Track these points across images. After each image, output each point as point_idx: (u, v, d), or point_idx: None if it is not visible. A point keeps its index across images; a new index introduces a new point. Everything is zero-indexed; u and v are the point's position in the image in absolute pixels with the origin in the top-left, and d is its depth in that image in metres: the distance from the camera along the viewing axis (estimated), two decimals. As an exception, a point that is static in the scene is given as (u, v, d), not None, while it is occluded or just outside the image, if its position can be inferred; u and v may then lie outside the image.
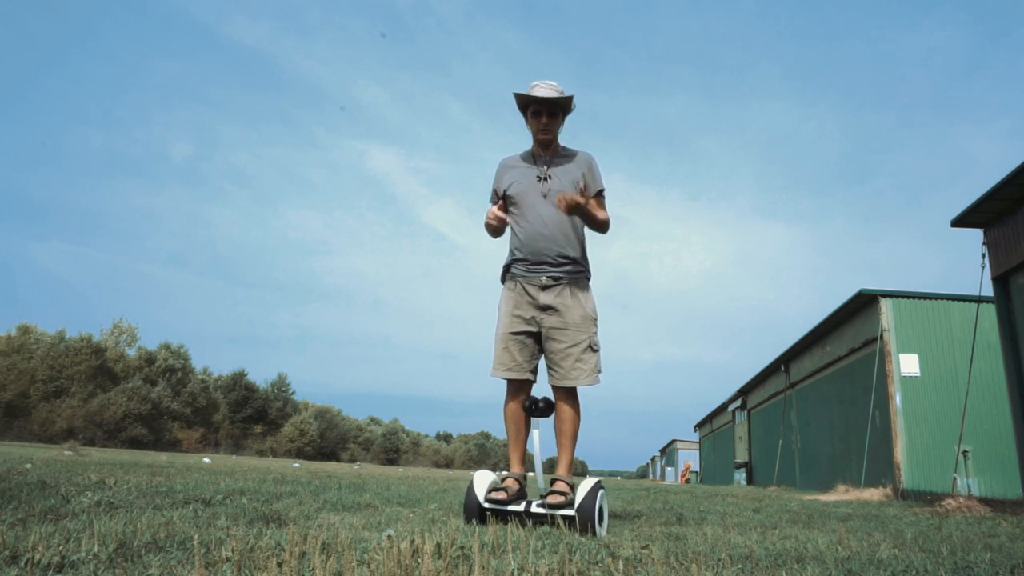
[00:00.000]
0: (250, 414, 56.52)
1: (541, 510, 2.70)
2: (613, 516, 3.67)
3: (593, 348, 2.99)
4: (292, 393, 62.20)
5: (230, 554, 1.54)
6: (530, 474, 3.08)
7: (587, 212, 2.96)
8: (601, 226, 3.12)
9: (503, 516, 2.76)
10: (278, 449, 54.79)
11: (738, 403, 26.81)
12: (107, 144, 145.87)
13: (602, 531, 2.70)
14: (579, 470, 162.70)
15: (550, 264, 3.03)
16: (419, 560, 1.51)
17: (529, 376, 3.02)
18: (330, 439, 62.84)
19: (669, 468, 59.22)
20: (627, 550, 2.05)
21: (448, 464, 79.55)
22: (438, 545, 1.78)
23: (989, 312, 8.94)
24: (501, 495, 2.74)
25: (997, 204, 7.81)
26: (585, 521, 2.57)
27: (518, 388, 3.02)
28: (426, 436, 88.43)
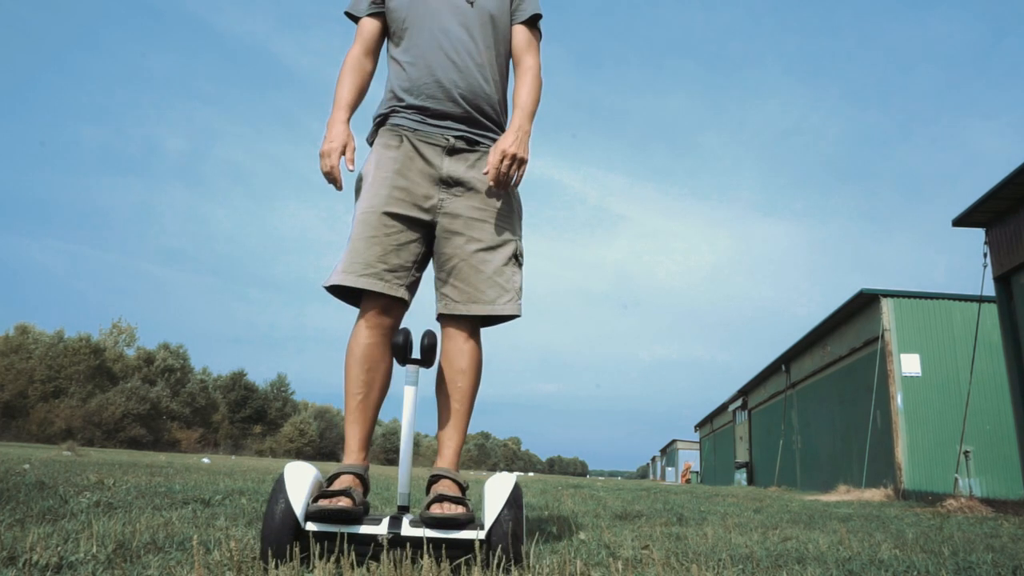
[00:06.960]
0: (249, 414, 56.58)
1: (424, 531, 1.49)
2: (614, 516, 3.58)
3: (519, 260, 1.91)
4: (291, 393, 62.31)
5: (230, 554, 1.53)
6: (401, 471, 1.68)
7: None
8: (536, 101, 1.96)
9: (345, 545, 1.47)
10: (277, 449, 54.81)
11: (739, 403, 26.81)
12: (103, 141, 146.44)
13: (525, 556, 1.56)
14: (579, 470, 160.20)
15: (460, 118, 1.89)
16: (419, 560, 1.50)
17: (404, 294, 1.83)
18: (330, 439, 62.88)
19: (669, 468, 59.24)
20: (628, 550, 2.04)
21: (448, 464, 79.64)
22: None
23: (991, 312, 8.94)
24: (343, 502, 1.51)
25: (999, 203, 7.81)
26: (506, 545, 1.47)
27: (384, 312, 1.81)
28: (426, 436, 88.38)
